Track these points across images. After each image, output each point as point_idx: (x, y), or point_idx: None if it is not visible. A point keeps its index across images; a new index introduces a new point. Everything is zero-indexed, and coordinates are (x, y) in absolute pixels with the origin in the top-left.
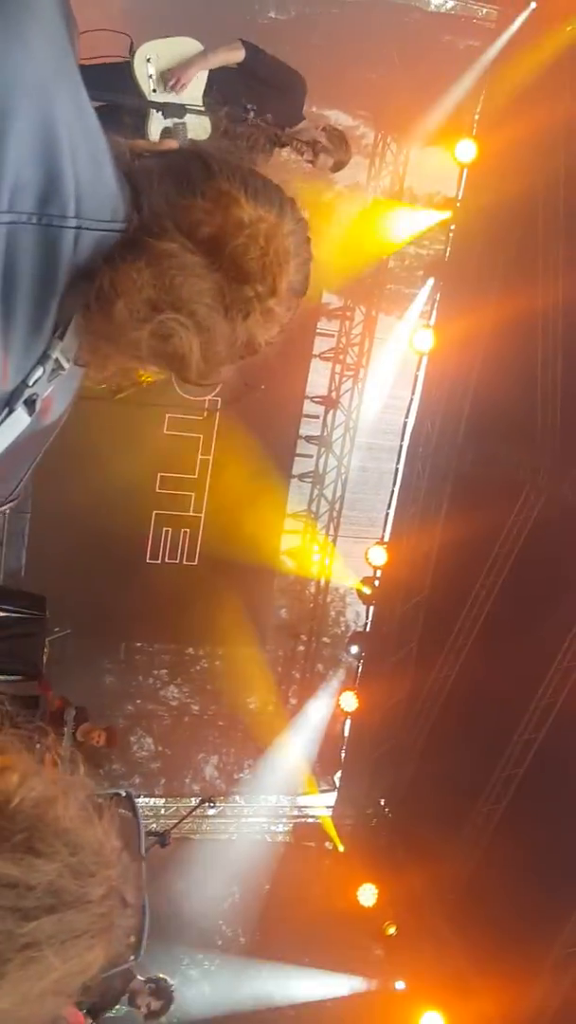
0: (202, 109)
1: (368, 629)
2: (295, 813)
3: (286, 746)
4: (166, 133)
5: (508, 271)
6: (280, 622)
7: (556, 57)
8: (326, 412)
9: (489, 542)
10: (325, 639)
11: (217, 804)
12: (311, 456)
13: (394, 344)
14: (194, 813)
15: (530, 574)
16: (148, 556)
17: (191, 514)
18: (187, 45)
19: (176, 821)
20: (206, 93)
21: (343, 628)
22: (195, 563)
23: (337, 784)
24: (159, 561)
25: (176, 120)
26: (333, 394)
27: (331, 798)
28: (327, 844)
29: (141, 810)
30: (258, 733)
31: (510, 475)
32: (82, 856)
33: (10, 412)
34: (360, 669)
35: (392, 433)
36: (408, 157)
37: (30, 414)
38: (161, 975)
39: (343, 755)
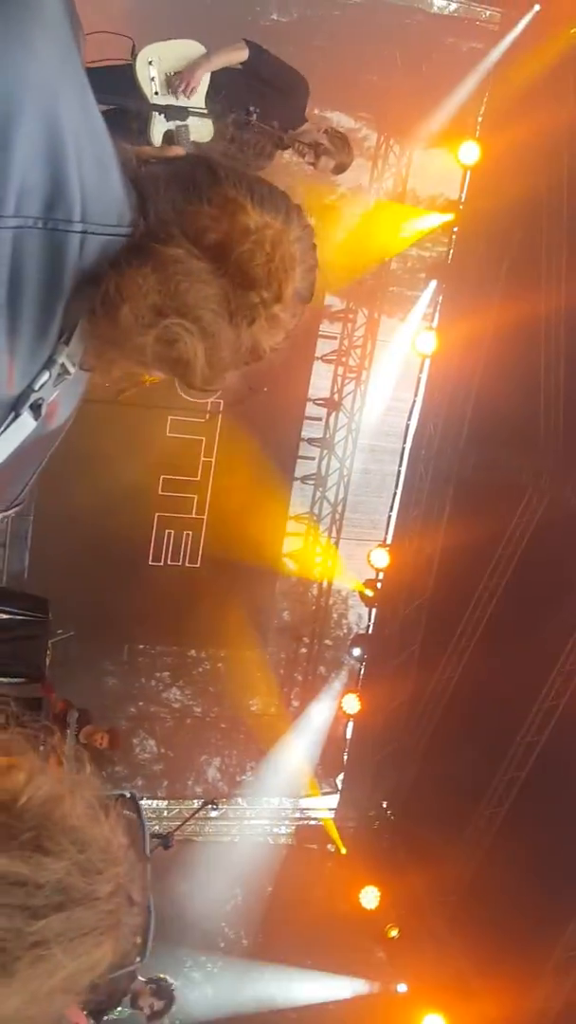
0: (205, 112)
1: (370, 631)
2: (297, 815)
3: (288, 748)
4: (168, 136)
5: (511, 274)
6: (282, 624)
7: (560, 59)
8: (328, 414)
9: (492, 545)
10: (327, 641)
11: (219, 806)
12: (313, 458)
13: (396, 346)
14: (197, 815)
15: (533, 577)
16: (150, 558)
17: (193, 516)
18: (189, 47)
19: (179, 823)
20: (209, 95)
21: (345, 630)
22: (197, 565)
23: (339, 786)
24: (161, 563)
25: (178, 123)
26: (335, 396)
27: (333, 800)
28: (329, 846)
29: (144, 812)
30: (260, 735)
31: (513, 478)
32: (89, 853)
33: (16, 417)
34: (362, 671)
35: (394, 435)
36: (411, 159)
37: (36, 418)
38: (162, 975)
39: (345, 757)
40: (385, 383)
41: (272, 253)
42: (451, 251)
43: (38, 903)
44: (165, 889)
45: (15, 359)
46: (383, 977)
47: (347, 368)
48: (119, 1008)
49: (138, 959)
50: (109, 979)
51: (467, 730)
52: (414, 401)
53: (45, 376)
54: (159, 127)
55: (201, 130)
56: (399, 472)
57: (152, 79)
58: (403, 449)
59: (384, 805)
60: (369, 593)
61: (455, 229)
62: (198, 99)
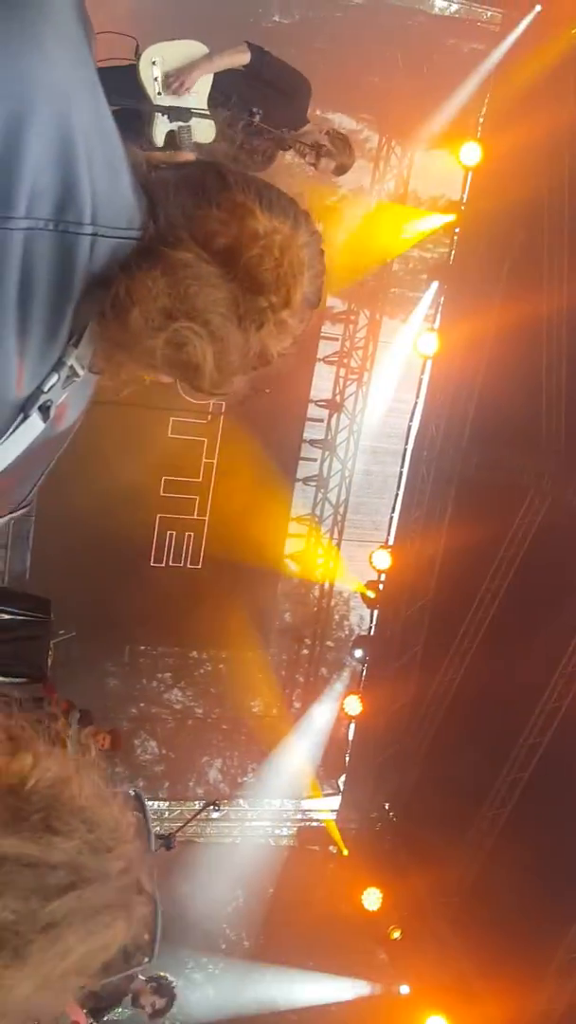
0: (207, 113)
1: (372, 633)
2: (299, 817)
3: (290, 750)
4: (171, 137)
5: (512, 275)
6: (284, 626)
7: (561, 60)
8: (330, 416)
9: (494, 546)
10: (329, 643)
11: (221, 807)
12: (315, 460)
13: (398, 348)
14: (198, 816)
15: (535, 578)
16: (152, 559)
17: (195, 517)
18: (193, 48)
19: (181, 824)
20: (212, 96)
21: (347, 632)
22: (199, 566)
23: (341, 788)
24: (163, 564)
25: (181, 124)
26: (337, 398)
27: (335, 802)
28: (331, 848)
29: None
30: (262, 737)
31: (514, 479)
32: (99, 832)
33: (25, 418)
34: (364, 673)
35: (396, 437)
36: (412, 160)
37: (44, 420)
38: (162, 973)
39: (347, 759)
40: (387, 384)
41: (281, 258)
42: (452, 252)
43: (50, 884)
44: (167, 890)
45: (25, 361)
46: (385, 978)
47: (349, 369)
48: (120, 1009)
49: (146, 960)
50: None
51: (469, 732)
52: (416, 402)
53: (54, 378)
54: (161, 127)
55: (203, 131)
56: (401, 473)
57: (155, 79)
58: (405, 450)
59: (386, 806)
60: (371, 594)
61: (456, 230)
62: (200, 100)
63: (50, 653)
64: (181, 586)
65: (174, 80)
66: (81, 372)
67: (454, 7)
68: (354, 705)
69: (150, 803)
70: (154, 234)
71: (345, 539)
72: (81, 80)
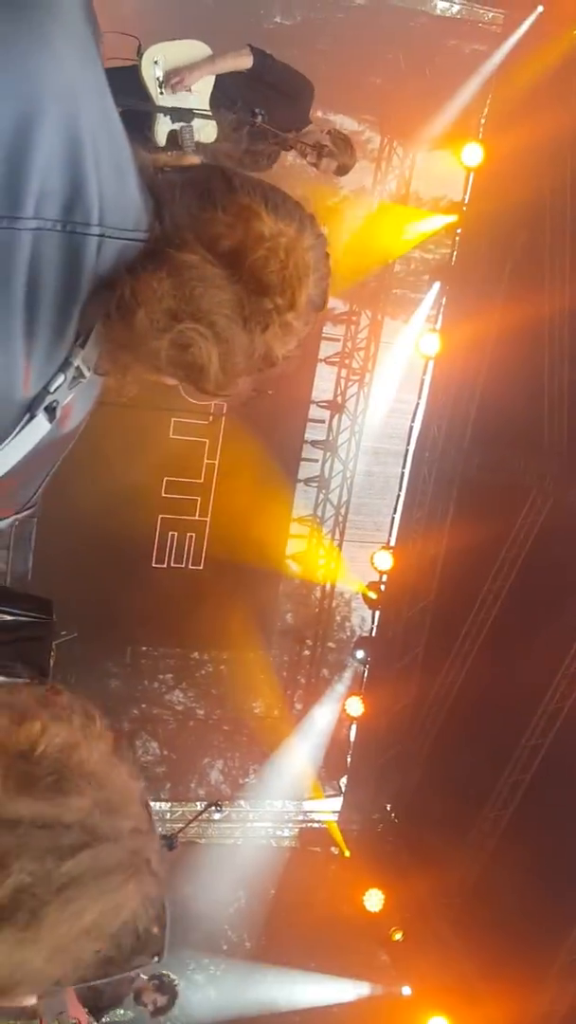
0: (209, 113)
1: (374, 634)
2: (301, 818)
3: (291, 751)
4: (172, 136)
5: (514, 275)
6: (286, 627)
7: (563, 61)
8: (332, 416)
9: (495, 547)
10: (331, 644)
11: (223, 808)
12: (317, 460)
13: (400, 348)
14: (200, 818)
15: (537, 579)
16: (154, 560)
17: (197, 518)
18: (195, 48)
19: (182, 825)
20: (214, 97)
21: (349, 633)
22: (201, 567)
23: (343, 789)
24: (165, 565)
25: (183, 124)
26: (339, 398)
27: (337, 803)
28: (333, 849)
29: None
30: (263, 738)
31: (516, 480)
32: (109, 793)
33: (31, 418)
34: (366, 674)
35: (398, 437)
36: (414, 161)
37: (50, 421)
38: (164, 971)
39: (349, 760)
40: (388, 385)
41: (286, 260)
42: (454, 253)
43: (64, 844)
44: (169, 891)
45: (32, 361)
46: (387, 980)
47: (350, 370)
48: (122, 1011)
49: (155, 958)
50: (116, 978)
51: (471, 733)
52: (417, 403)
53: (60, 379)
54: (163, 127)
55: (205, 131)
56: (402, 474)
57: (157, 79)
58: (406, 451)
59: (388, 808)
60: (372, 595)
61: (458, 231)
62: (202, 101)
63: (52, 654)
64: (183, 587)
65: (174, 76)
66: (87, 374)
67: (456, 8)
68: (356, 706)
69: (152, 804)
70: (160, 236)
71: (347, 540)
72: (89, 81)
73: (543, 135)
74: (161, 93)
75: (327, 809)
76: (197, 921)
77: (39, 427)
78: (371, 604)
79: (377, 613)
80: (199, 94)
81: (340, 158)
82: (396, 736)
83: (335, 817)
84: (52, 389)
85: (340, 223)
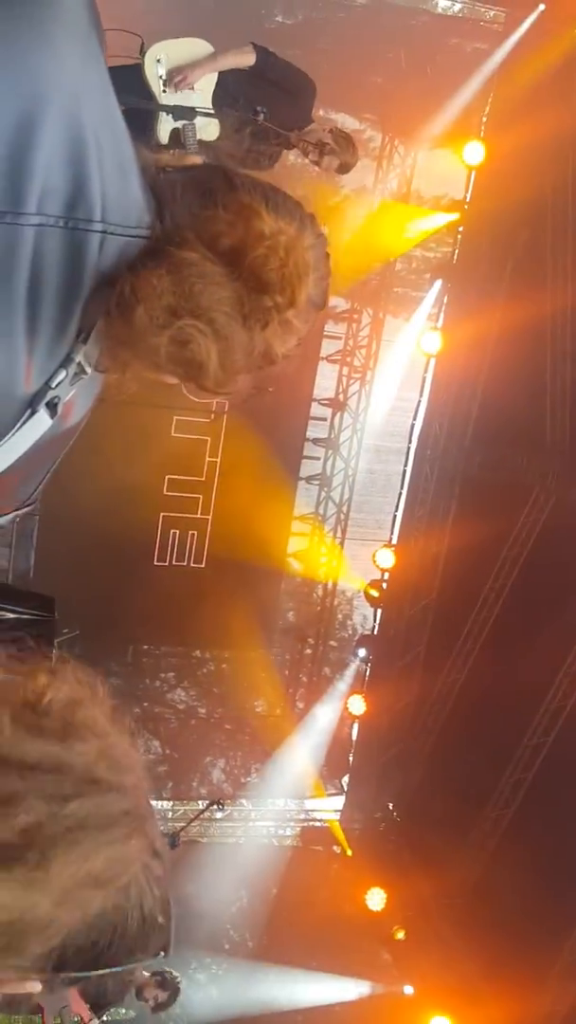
0: (211, 112)
1: (376, 632)
2: (303, 817)
3: (293, 750)
4: (175, 134)
5: (516, 274)
6: (287, 625)
7: (564, 59)
8: (333, 414)
9: (497, 545)
10: (332, 642)
11: (225, 807)
12: (318, 458)
13: (401, 346)
14: (202, 816)
15: (539, 578)
16: (155, 558)
17: (199, 516)
18: (197, 46)
19: (184, 824)
20: (216, 95)
21: (350, 631)
22: (202, 565)
23: (345, 788)
24: (166, 563)
25: (185, 122)
26: (340, 396)
27: (339, 802)
28: (335, 848)
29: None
30: (265, 736)
31: (518, 478)
32: (113, 749)
33: (32, 414)
34: (368, 672)
35: (399, 435)
36: (415, 160)
37: (51, 417)
38: (166, 968)
39: (351, 759)
40: (390, 383)
41: (286, 258)
42: (456, 251)
43: (70, 788)
44: (170, 890)
45: (33, 357)
46: (389, 979)
47: (352, 368)
48: (124, 1010)
49: (162, 954)
50: (115, 975)
51: (473, 731)
52: (419, 401)
53: (62, 374)
54: (166, 126)
55: (207, 129)
56: (404, 472)
57: (160, 77)
58: (408, 449)
59: (390, 807)
60: (374, 593)
61: (460, 229)
62: (205, 99)
63: (54, 652)
64: (184, 585)
65: (176, 75)
66: (88, 370)
67: (457, 7)
68: (357, 705)
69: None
70: (161, 234)
71: (348, 538)
72: (92, 78)
73: (544, 133)
74: (164, 91)
75: (329, 808)
76: (199, 920)
77: (40, 423)
78: (373, 602)
79: (379, 611)
80: (202, 92)
81: (342, 156)
82: (398, 735)
83: (337, 816)
84: (54, 384)
85: (342, 221)
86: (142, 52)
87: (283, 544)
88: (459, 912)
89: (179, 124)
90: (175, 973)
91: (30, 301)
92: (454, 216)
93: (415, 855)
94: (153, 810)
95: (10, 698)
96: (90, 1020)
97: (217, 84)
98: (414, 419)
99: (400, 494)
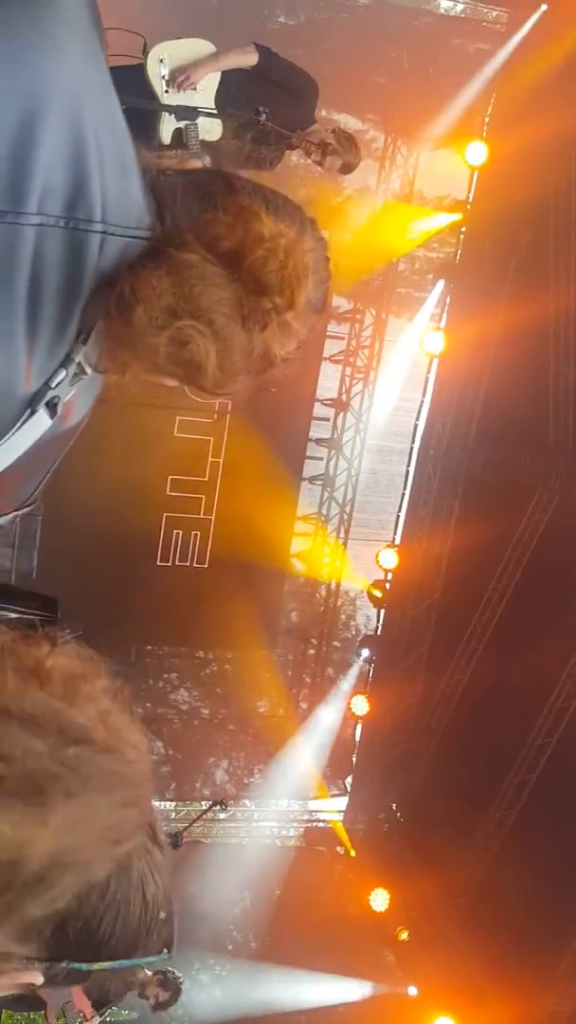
0: (214, 112)
1: (379, 632)
2: (306, 818)
3: (297, 750)
4: (177, 134)
5: (519, 274)
6: (290, 625)
7: (567, 59)
8: (336, 415)
9: (501, 545)
10: (336, 643)
11: (228, 808)
12: (321, 459)
13: (404, 346)
14: (205, 817)
15: (542, 578)
16: (158, 559)
17: (201, 517)
18: (200, 46)
19: (187, 824)
20: (219, 95)
21: (354, 632)
22: (205, 566)
23: (348, 788)
24: (169, 564)
25: (188, 122)
26: (343, 397)
27: (342, 803)
28: (338, 849)
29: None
30: (268, 737)
31: (522, 479)
32: (113, 718)
33: (32, 414)
34: (371, 673)
35: (403, 435)
36: (418, 160)
37: (51, 417)
38: (168, 967)
39: (354, 759)
40: (393, 383)
41: (285, 261)
42: (459, 251)
43: (70, 737)
44: (173, 890)
45: (33, 357)
46: (393, 980)
47: (355, 368)
48: (127, 1011)
49: (166, 954)
50: (116, 974)
51: (477, 732)
52: (422, 401)
53: (62, 374)
54: (168, 126)
55: (210, 129)
56: (407, 472)
57: (163, 77)
58: (411, 449)
59: (393, 807)
60: (378, 594)
61: (463, 229)
62: (207, 99)
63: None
64: (187, 585)
65: (179, 75)
66: (88, 370)
67: (460, 7)
68: (361, 705)
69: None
70: (161, 235)
71: (351, 538)
72: (94, 78)
73: (547, 133)
74: (167, 91)
75: (332, 808)
76: (202, 921)
77: (40, 423)
78: (376, 603)
79: (382, 612)
80: (204, 92)
81: (344, 157)
82: (401, 735)
83: (340, 816)
84: (53, 384)
85: (344, 222)
86: (145, 52)
87: (286, 544)
88: (463, 913)
89: (182, 124)
90: (177, 973)
91: (30, 301)
92: (457, 216)
93: (419, 856)
94: (153, 788)
95: (14, 657)
96: (92, 1017)
97: (220, 84)
98: (417, 419)
99: (403, 494)
